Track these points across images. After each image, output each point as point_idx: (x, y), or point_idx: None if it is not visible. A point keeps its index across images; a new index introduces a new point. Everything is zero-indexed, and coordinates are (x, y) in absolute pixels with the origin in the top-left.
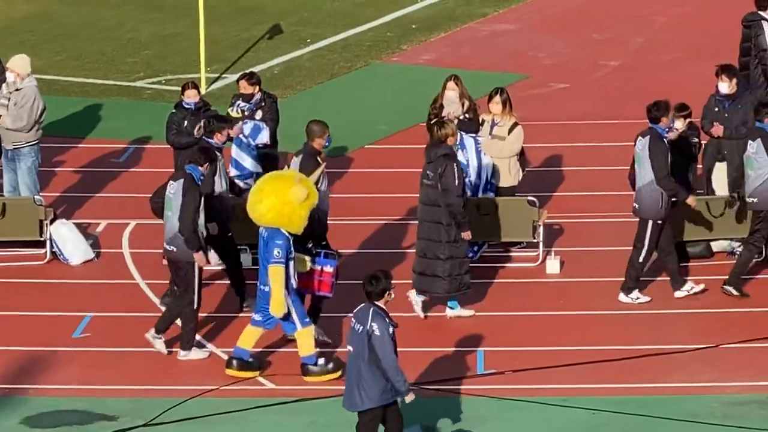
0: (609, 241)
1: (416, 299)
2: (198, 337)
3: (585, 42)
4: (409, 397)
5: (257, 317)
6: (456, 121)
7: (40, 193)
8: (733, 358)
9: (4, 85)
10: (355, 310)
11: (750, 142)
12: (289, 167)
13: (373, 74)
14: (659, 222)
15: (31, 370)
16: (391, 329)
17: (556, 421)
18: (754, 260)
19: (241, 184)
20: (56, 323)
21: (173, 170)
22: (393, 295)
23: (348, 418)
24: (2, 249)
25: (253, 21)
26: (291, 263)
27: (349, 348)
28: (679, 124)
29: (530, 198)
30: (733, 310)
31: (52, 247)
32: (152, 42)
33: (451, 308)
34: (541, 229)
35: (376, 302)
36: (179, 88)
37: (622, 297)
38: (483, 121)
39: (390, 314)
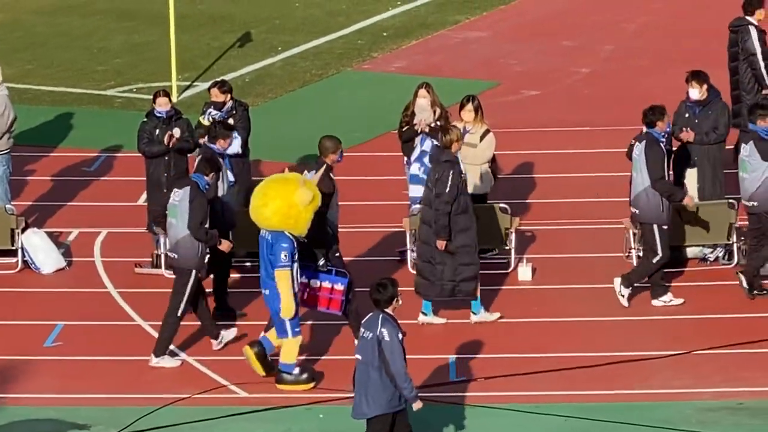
0: (581, 248)
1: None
2: (171, 346)
3: (556, 49)
4: (417, 405)
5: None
6: (427, 129)
7: (12, 202)
8: (706, 364)
9: None
10: (363, 320)
11: (743, 145)
12: None
13: (345, 82)
14: (664, 227)
15: (3, 378)
16: (400, 335)
17: (529, 429)
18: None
19: None
20: (28, 332)
21: (145, 179)
22: (401, 302)
23: (321, 427)
24: None
25: (223, 29)
26: (295, 265)
27: (358, 356)
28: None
29: (502, 205)
30: (705, 316)
31: (23, 256)
32: (123, 50)
33: (425, 314)
34: (513, 236)
35: (385, 309)
36: (150, 97)
37: (654, 302)
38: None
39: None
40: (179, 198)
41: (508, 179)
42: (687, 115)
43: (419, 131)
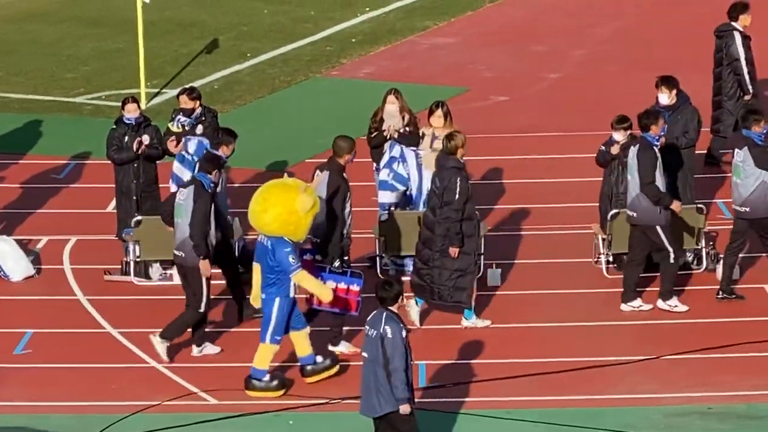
0: (550, 253)
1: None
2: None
3: (525, 54)
4: (404, 408)
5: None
6: (396, 135)
7: None
8: (674, 369)
9: None
10: (368, 318)
11: (737, 150)
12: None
13: (314, 88)
14: (667, 226)
15: None
16: (404, 333)
17: None
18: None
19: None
20: None
21: (114, 186)
22: (405, 300)
23: None
24: None
25: (192, 36)
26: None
27: (364, 354)
28: (619, 136)
29: None
30: (673, 321)
31: None
32: (92, 58)
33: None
34: (482, 242)
35: (390, 307)
36: (119, 104)
37: (660, 304)
38: (423, 134)
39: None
40: (184, 197)
41: (478, 185)
42: None
43: (388, 137)
